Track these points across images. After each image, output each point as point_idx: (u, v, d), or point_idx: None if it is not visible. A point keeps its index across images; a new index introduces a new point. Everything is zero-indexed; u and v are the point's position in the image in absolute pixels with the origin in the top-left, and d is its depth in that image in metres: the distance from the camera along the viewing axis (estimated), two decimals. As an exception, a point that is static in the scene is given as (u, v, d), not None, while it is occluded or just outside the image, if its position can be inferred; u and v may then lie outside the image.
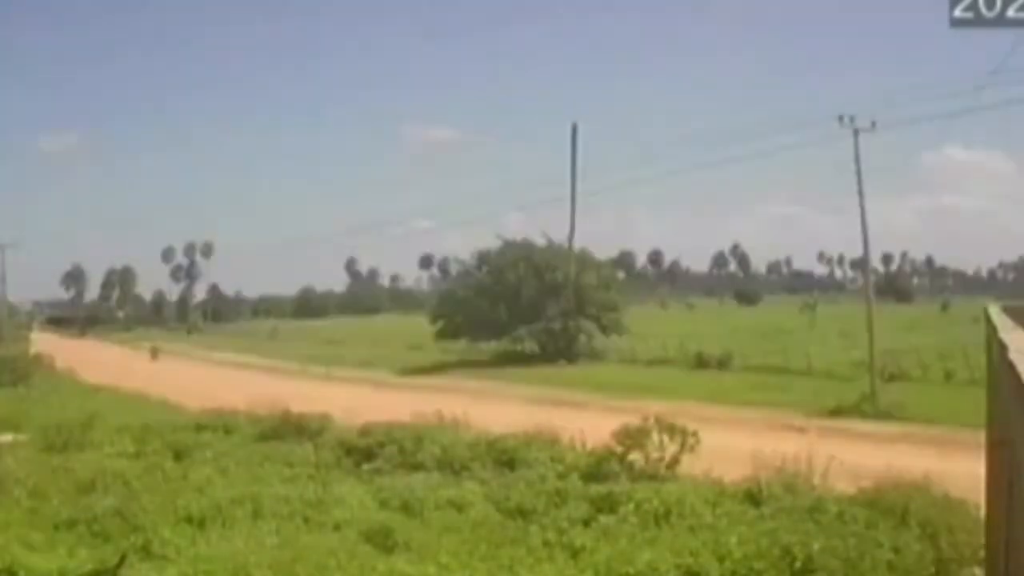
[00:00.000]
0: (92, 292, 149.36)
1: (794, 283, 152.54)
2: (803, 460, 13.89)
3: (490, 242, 57.07)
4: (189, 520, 12.71)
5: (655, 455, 15.57)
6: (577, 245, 53.50)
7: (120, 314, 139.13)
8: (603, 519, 12.43)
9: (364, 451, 17.79)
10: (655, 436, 15.65)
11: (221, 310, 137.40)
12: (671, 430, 15.72)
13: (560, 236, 53.92)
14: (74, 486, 15.18)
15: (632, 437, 15.67)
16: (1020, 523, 4.07)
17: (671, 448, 15.61)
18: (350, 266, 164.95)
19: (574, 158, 52.05)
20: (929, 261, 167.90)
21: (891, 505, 11.93)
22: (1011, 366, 4.08)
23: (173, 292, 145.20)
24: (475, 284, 55.18)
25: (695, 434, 15.64)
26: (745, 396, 30.68)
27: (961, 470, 11.99)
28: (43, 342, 70.57)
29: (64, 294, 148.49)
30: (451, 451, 16.84)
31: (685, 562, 10.23)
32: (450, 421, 19.63)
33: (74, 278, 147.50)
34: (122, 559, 10.77)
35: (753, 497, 13.16)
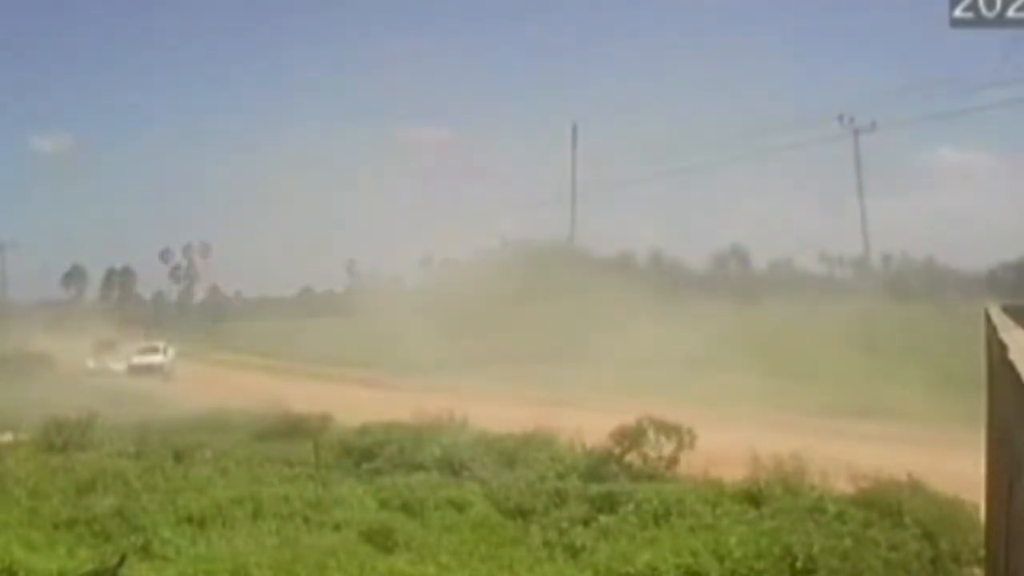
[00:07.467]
0: (92, 292, 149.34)
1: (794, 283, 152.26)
2: (802, 460, 13.89)
3: (489, 242, 57.13)
4: (189, 520, 12.72)
5: (652, 455, 15.58)
6: (577, 245, 53.55)
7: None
8: (603, 519, 12.44)
9: (364, 451, 17.77)
10: (651, 436, 15.67)
11: (221, 310, 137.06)
12: (666, 429, 15.74)
13: (560, 236, 54.00)
14: (74, 486, 15.16)
15: (628, 437, 15.68)
16: (1020, 523, 4.07)
17: (668, 447, 15.62)
18: (350, 266, 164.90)
19: (574, 158, 52.14)
20: (929, 261, 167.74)
21: (889, 505, 11.96)
22: (1011, 366, 4.08)
23: (173, 292, 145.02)
24: (475, 284, 55.14)
25: (690, 432, 15.66)
26: (744, 395, 30.63)
27: (960, 470, 11.98)
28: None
29: (64, 294, 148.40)
30: (451, 451, 16.81)
31: (685, 562, 10.24)
32: (450, 421, 19.60)
33: (74, 278, 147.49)
34: (122, 559, 10.77)
35: (753, 497, 13.16)
